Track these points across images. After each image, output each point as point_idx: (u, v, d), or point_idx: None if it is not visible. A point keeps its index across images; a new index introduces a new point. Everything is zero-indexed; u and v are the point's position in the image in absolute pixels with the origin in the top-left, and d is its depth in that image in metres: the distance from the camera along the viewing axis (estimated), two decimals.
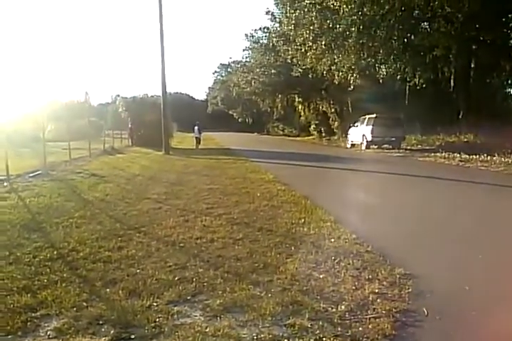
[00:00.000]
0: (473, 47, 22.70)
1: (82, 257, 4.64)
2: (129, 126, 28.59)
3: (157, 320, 3.19)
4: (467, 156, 17.01)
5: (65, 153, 16.42)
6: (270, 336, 2.94)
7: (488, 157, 16.05)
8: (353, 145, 27.53)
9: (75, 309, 3.37)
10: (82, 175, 11.98)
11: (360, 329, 3.04)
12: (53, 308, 3.39)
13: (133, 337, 2.97)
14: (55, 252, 4.80)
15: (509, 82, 28.23)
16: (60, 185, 10.23)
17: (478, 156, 16.52)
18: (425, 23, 23.41)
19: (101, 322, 3.17)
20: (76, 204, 7.70)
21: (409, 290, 3.70)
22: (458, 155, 17.63)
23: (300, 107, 47.74)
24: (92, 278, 4.03)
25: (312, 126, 46.82)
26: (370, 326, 3.06)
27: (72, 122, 23.27)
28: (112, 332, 3.03)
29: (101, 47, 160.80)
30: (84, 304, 3.46)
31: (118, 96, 36.51)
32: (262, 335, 2.95)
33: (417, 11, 21.94)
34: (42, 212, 6.96)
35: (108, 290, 3.75)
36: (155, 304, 3.45)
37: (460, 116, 25.43)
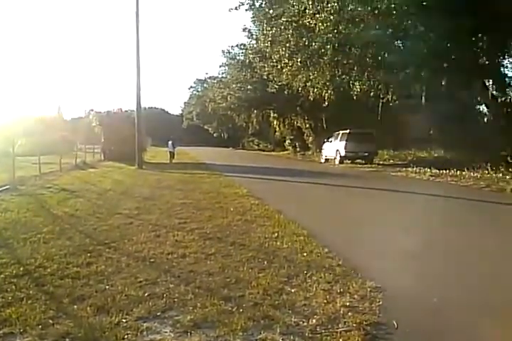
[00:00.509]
0: (445, 65, 23.29)
1: (50, 273, 4.53)
2: (102, 140, 28.28)
3: (126, 336, 3.12)
4: (437, 171, 17.35)
5: (35, 167, 16.10)
6: None
7: (458, 172, 16.39)
8: (327, 160, 27.82)
9: (40, 327, 3.27)
10: (51, 190, 11.75)
11: None
12: (17, 326, 3.28)
13: None
14: (21, 268, 4.66)
15: (479, 99, 28.97)
16: (29, 199, 10.01)
17: (448, 171, 16.86)
18: (398, 42, 23.98)
19: (67, 340, 3.09)
20: (45, 219, 7.52)
21: (380, 303, 3.72)
22: (429, 170, 17.96)
23: (275, 122, 48.07)
24: (60, 295, 3.93)
25: (287, 141, 47.21)
26: (340, 339, 3.06)
27: (43, 136, 22.90)
28: None
29: (75, 61, 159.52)
30: (51, 321, 3.37)
31: (91, 110, 36.13)
32: None
33: (390, 30, 22.45)
34: (9, 228, 6.78)
35: (75, 306, 3.66)
36: (124, 320, 3.37)
37: (431, 132, 25.99)
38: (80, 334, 3.15)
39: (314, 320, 3.37)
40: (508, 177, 14.00)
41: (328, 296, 3.87)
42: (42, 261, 4.93)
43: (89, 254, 5.22)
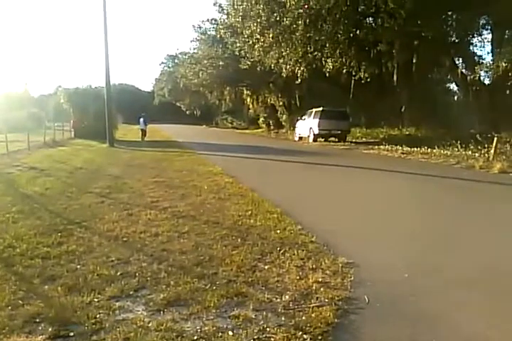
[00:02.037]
0: (415, 43, 23.41)
1: (19, 253, 4.45)
2: (72, 117, 27.61)
3: (98, 316, 3.11)
4: (409, 149, 17.61)
5: (1, 145, 15.65)
6: (214, 328, 2.93)
7: (429, 149, 16.67)
8: (300, 138, 27.88)
9: (9, 308, 3.23)
10: (20, 169, 11.47)
11: (304, 318, 3.08)
12: None
13: (72, 334, 2.89)
14: None
15: (449, 77, 29.35)
16: None
17: (419, 149, 17.12)
18: (370, 19, 23.89)
19: (38, 320, 3.06)
20: (13, 198, 7.36)
21: (352, 278, 3.80)
22: (400, 147, 18.21)
23: (248, 100, 47.76)
24: (30, 275, 3.87)
25: (261, 119, 47.09)
26: (313, 315, 3.11)
27: (10, 114, 22.22)
28: (49, 330, 2.94)
29: (43, 36, 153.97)
30: (20, 302, 3.33)
31: (60, 87, 34.99)
32: (206, 328, 2.94)
33: (362, 6, 22.34)
34: None
35: (46, 287, 3.63)
36: (96, 300, 3.36)
37: (402, 110, 26.27)
38: (50, 314, 3.12)
39: (287, 296, 3.42)
40: (477, 154, 14.30)
41: (300, 272, 3.92)
42: (11, 241, 4.84)
43: (59, 234, 5.14)
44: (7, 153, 15.14)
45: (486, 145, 14.51)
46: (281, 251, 4.50)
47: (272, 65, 27.22)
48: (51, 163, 12.89)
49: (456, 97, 33.38)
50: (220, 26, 35.19)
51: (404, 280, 3.87)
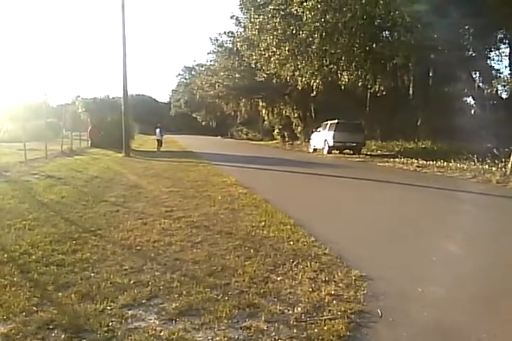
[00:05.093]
0: (432, 56, 23.38)
1: (34, 260, 4.49)
2: (89, 127, 27.99)
3: (110, 324, 3.12)
4: (424, 162, 17.49)
5: (20, 154, 15.89)
6: (225, 339, 2.93)
7: (445, 163, 16.53)
8: (315, 150, 27.88)
9: (24, 314, 3.26)
10: (37, 177, 11.61)
11: (316, 330, 3.06)
12: (1, 313, 3.26)
13: None
14: (5, 255, 4.62)
15: (466, 91, 29.16)
16: (14, 186, 9.88)
17: (435, 162, 17.00)
18: (386, 32, 23.96)
19: (51, 327, 3.08)
20: (30, 206, 7.44)
21: (365, 291, 3.76)
22: (416, 160, 18.10)
23: (264, 111, 47.95)
24: (44, 282, 3.90)
25: (276, 131, 47.21)
26: (325, 327, 3.09)
27: (29, 123, 22.53)
28: (62, 336, 2.95)
29: (61, 47, 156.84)
30: (35, 308, 3.35)
31: (78, 97, 35.54)
32: (217, 338, 2.94)
33: (378, 20, 22.41)
34: None
35: (60, 294, 3.64)
36: (108, 308, 3.37)
37: (418, 123, 26.15)
38: (64, 321, 3.14)
39: (299, 308, 3.40)
40: (493, 168, 14.14)
41: (313, 285, 3.90)
42: (27, 247, 4.89)
43: (74, 242, 5.18)
44: (25, 161, 15.34)
45: (503, 160, 14.34)
46: (294, 263, 4.49)
47: (288, 78, 27.39)
48: (68, 172, 13.03)
49: (472, 111, 33.08)
50: (237, 39, 35.59)
51: (418, 294, 3.82)
